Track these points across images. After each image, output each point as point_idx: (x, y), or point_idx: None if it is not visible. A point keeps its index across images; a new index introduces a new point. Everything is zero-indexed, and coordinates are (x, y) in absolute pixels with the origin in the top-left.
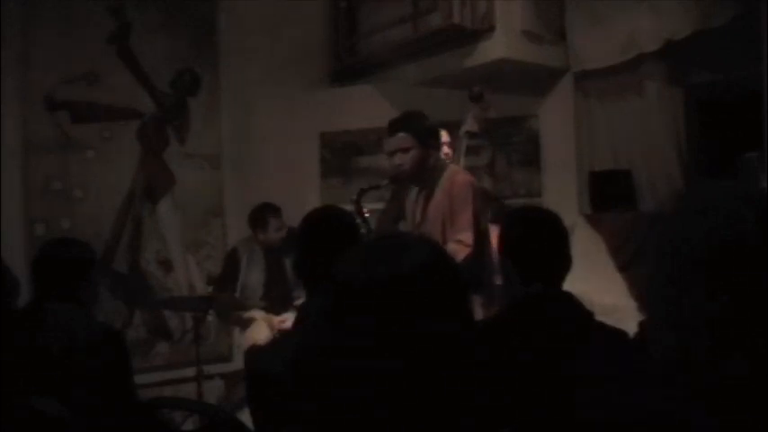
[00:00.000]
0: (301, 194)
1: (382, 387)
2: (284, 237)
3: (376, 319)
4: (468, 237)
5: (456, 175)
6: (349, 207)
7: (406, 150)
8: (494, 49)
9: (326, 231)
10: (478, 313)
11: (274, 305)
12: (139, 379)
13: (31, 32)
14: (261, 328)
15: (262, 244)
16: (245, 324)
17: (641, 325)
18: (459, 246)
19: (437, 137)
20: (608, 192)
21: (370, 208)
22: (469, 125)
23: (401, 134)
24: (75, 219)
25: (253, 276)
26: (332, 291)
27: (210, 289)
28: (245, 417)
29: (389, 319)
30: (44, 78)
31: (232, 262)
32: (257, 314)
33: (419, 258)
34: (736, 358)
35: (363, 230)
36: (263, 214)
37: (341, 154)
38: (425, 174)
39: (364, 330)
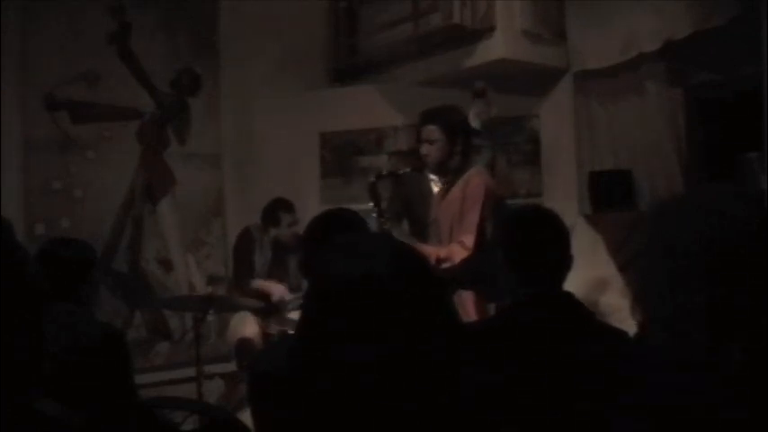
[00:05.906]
0: (301, 194)
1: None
2: (294, 237)
3: (352, 320)
4: (469, 239)
5: (474, 177)
6: (351, 205)
7: (432, 142)
8: (494, 49)
9: (335, 233)
10: (480, 313)
11: (271, 305)
12: (139, 379)
13: (31, 32)
14: (248, 323)
15: (273, 239)
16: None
17: (641, 325)
18: (459, 247)
19: (467, 133)
20: (608, 192)
21: (370, 208)
22: (471, 121)
23: (430, 126)
24: (75, 219)
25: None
26: (311, 292)
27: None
28: (245, 417)
29: (367, 319)
30: (44, 78)
31: (247, 240)
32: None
33: (385, 257)
34: (733, 356)
35: (383, 218)
36: (274, 210)
37: (341, 154)
38: (448, 168)
39: (342, 332)
